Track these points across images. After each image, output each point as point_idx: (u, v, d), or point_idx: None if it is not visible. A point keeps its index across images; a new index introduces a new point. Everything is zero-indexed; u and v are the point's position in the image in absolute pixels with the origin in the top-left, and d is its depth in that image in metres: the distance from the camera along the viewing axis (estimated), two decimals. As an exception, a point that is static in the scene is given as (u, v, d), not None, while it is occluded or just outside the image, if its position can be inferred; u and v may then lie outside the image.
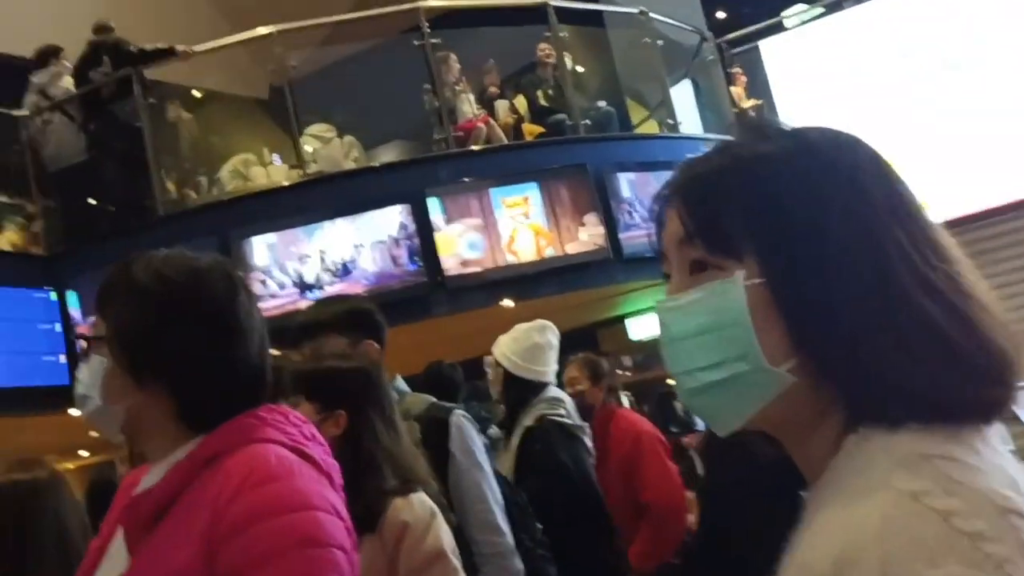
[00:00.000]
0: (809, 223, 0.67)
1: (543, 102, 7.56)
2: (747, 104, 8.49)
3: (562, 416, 3.01)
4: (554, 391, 3.11)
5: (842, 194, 0.67)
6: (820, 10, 8.75)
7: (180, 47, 6.94)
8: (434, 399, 2.38)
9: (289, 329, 2.26)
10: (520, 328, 3.16)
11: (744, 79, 8.65)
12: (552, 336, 3.15)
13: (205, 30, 8.42)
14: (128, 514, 1.15)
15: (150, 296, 1.16)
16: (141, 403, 1.15)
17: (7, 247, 6.99)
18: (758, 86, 8.55)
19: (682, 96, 8.55)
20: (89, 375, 1.20)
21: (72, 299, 6.44)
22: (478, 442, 2.26)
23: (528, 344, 3.08)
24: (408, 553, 1.73)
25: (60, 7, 9.01)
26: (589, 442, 3.15)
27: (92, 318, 1.25)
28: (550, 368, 3.13)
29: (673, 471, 3.50)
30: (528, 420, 2.97)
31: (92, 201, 7.28)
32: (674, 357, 0.71)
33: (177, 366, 1.14)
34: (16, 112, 7.09)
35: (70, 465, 8.61)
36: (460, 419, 2.25)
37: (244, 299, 1.20)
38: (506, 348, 3.10)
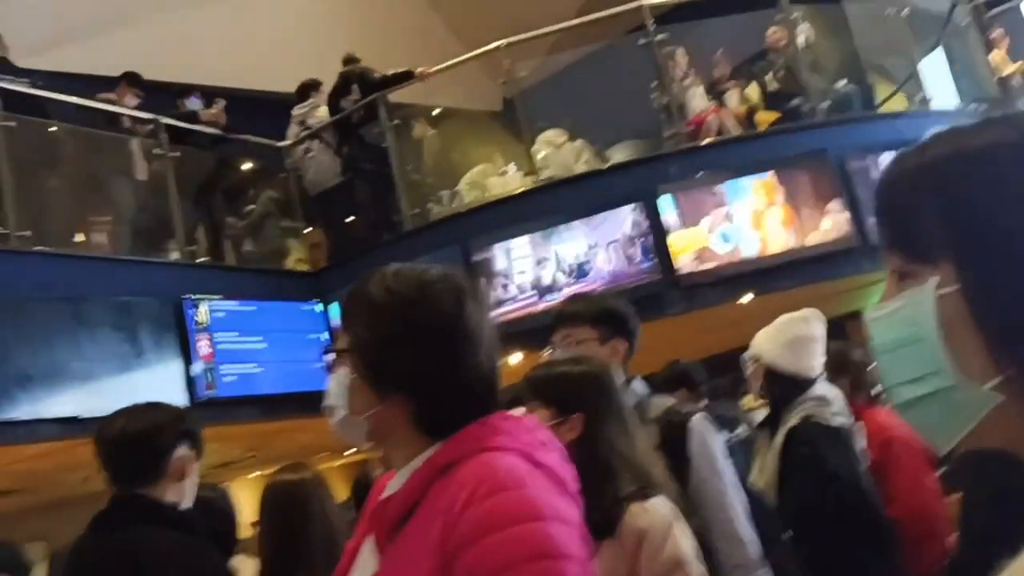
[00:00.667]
0: (1008, 226, 0.59)
1: (774, 87, 7.24)
2: (1010, 69, 7.65)
3: (828, 417, 2.77)
4: (822, 388, 2.85)
5: None
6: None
7: (418, 69, 7.37)
8: (674, 401, 2.34)
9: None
10: (782, 319, 2.92)
11: (1006, 41, 7.80)
12: (818, 326, 2.88)
13: (440, 51, 8.88)
14: (374, 519, 1.22)
15: (382, 310, 1.21)
16: (382, 413, 1.21)
17: (295, 266, 7.79)
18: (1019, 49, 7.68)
19: (935, 67, 7.86)
20: (336, 387, 1.28)
21: (335, 310, 7.07)
22: (719, 447, 2.20)
23: (791, 336, 2.84)
24: (648, 560, 1.71)
25: (313, 45, 9.87)
26: (862, 445, 2.90)
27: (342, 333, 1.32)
28: (816, 362, 2.85)
29: (929, 483, 3.05)
30: (793, 420, 2.76)
31: (349, 219, 7.93)
32: (882, 370, 0.68)
33: (412, 376, 1.19)
34: (279, 143, 7.88)
35: (337, 463, 9.38)
36: (700, 423, 2.19)
37: (472, 308, 1.22)
38: (766, 341, 2.88)
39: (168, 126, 7.08)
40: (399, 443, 1.23)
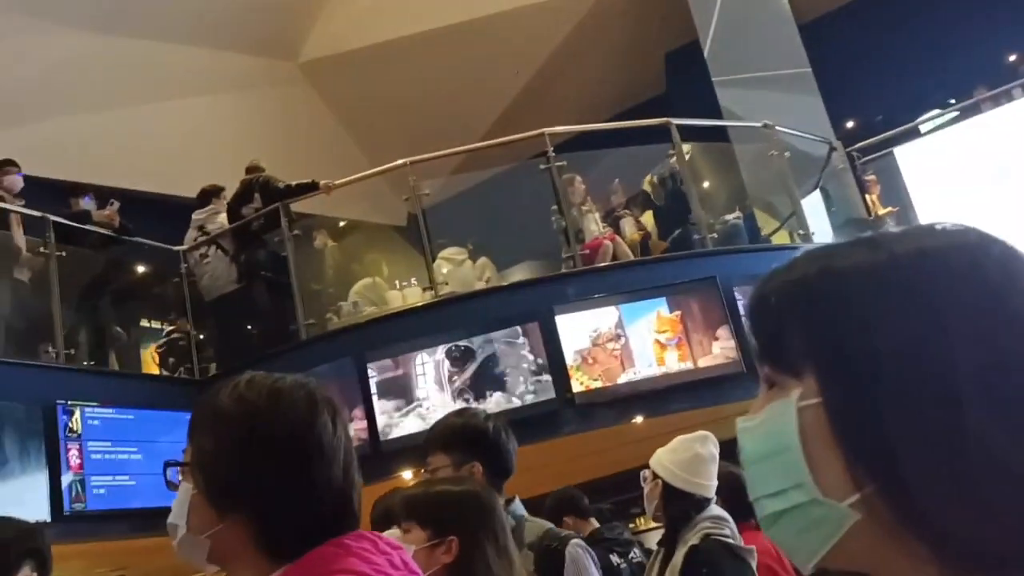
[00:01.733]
0: (869, 346, 0.60)
1: (647, 188, 7.54)
2: (883, 212, 8.24)
3: (727, 536, 2.81)
4: (717, 509, 2.90)
5: (915, 312, 0.59)
6: (955, 114, 8.50)
7: (323, 181, 7.42)
8: (551, 526, 2.31)
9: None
10: (680, 439, 3.00)
11: (878, 187, 8.42)
12: (714, 447, 2.96)
13: (346, 164, 9.00)
14: None
15: (227, 419, 1.14)
16: (223, 532, 1.12)
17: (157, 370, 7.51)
18: (896, 193, 8.31)
19: (815, 206, 8.39)
20: (178, 504, 1.18)
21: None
22: (593, 572, 2.17)
23: (689, 455, 2.91)
24: None
25: (218, 152, 9.87)
26: (754, 564, 2.90)
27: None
28: (712, 483, 2.92)
29: None
30: (693, 539, 2.79)
31: (244, 327, 7.75)
32: (749, 481, 0.67)
33: (255, 493, 1.11)
34: (175, 247, 7.73)
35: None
36: (575, 549, 2.16)
37: (326, 420, 1.15)
38: (665, 459, 2.94)
39: (57, 224, 6.86)
40: (242, 567, 1.14)
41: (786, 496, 0.63)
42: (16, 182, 6.78)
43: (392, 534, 1.65)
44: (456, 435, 2.22)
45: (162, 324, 8.03)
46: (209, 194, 7.82)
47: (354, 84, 12.52)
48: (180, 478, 1.20)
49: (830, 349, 0.61)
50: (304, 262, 7.67)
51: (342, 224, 9.25)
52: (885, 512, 0.59)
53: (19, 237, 6.68)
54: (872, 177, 8.48)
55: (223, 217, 7.66)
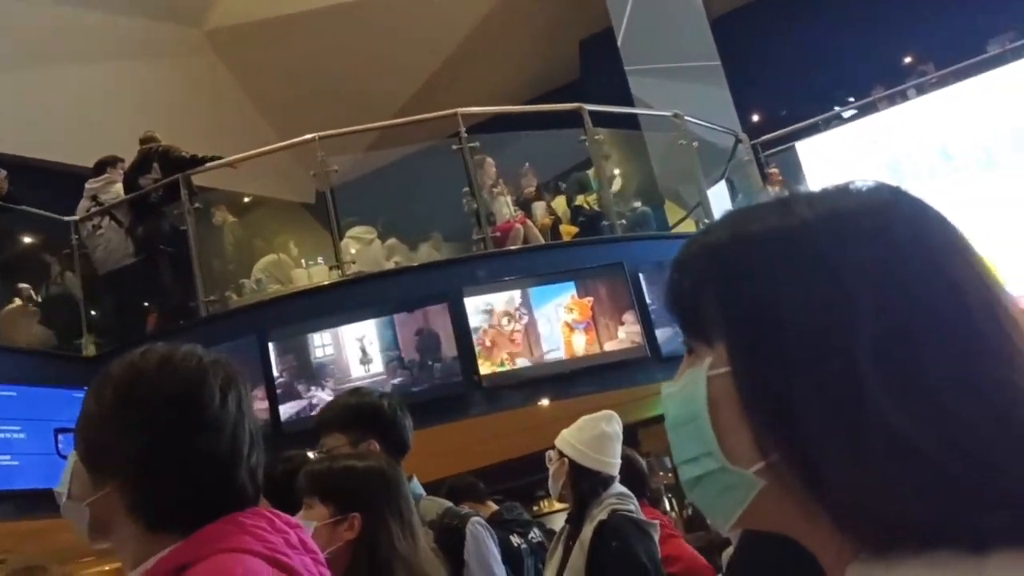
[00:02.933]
0: (777, 314, 0.59)
1: (589, 205, 7.66)
2: (783, 203, 8.50)
3: (633, 511, 2.89)
4: (621, 487, 2.98)
5: (820, 278, 0.58)
6: (853, 112, 8.83)
7: (228, 158, 7.20)
8: (450, 504, 2.30)
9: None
10: (585, 418, 3.06)
11: (780, 178, 8.68)
12: (618, 426, 3.04)
13: (253, 138, 8.75)
14: None
15: (114, 384, 1.10)
16: (103, 501, 1.08)
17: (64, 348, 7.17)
18: (797, 186, 8.59)
19: (721, 196, 8.60)
20: (65, 471, 1.14)
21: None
22: (494, 551, 2.17)
23: (595, 433, 2.98)
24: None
25: (117, 120, 9.45)
26: (657, 538, 2.97)
27: None
28: (616, 460, 3.01)
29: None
30: (601, 514, 2.83)
31: (141, 302, 7.46)
32: (672, 446, 0.67)
33: (128, 459, 1.06)
34: (67, 218, 7.37)
35: (104, 567, 8.53)
36: (476, 527, 2.16)
37: (214, 391, 1.11)
38: (571, 438, 3.00)
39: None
40: (124, 539, 1.09)
41: (699, 462, 0.63)
42: None
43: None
44: (351, 413, 2.19)
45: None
46: (105, 164, 7.48)
47: (263, 55, 12.17)
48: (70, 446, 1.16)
49: (738, 317, 0.61)
50: (205, 237, 7.43)
51: (247, 199, 9.00)
52: (789, 479, 0.59)
53: None
54: (775, 170, 8.75)
55: (118, 187, 7.34)
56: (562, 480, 3.00)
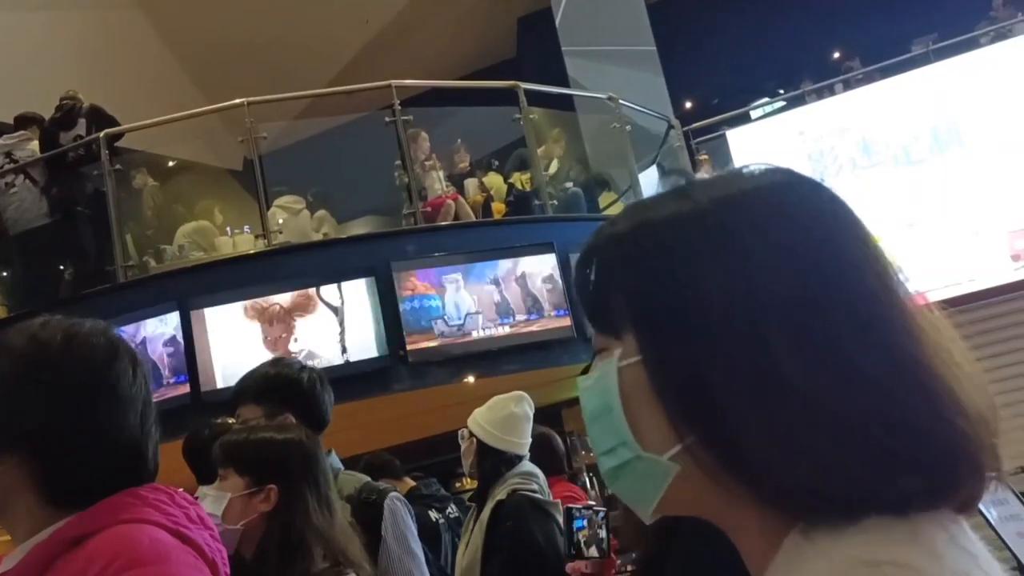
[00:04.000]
0: (682, 300, 0.60)
1: (522, 185, 7.67)
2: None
3: (535, 491, 2.92)
4: (528, 465, 3.02)
5: (721, 260, 0.60)
6: (782, 103, 9.01)
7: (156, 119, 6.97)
8: (368, 479, 2.29)
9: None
10: (496, 399, 3.10)
11: (709, 165, 8.82)
12: (528, 407, 3.09)
13: (179, 101, 8.49)
14: None
15: (15, 359, 1.08)
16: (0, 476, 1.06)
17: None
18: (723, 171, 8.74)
19: (650, 181, 8.69)
20: None
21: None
22: (412, 527, 2.17)
23: (504, 414, 3.02)
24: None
25: (35, 74, 9.06)
26: (559, 516, 3.03)
27: None
28: (525, 440, 3.05)
29: None
30: (500, 494, 2.87)
31: (55, 265, 7.19)
32: (591, 441, 0.68)
33: (36, 434, 1.05)
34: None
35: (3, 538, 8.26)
36: (394, 502, 2.15)
37: (126, 367, 1.11)
38: (481, 418, 3.04)
39: None
40: (21, 514, 1.07)
41: (616, 453, 0.64)
42: None
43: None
44: (269, 385, 2.16)
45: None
46: (28, 121, 7.16)
47: (192, 14, 11.78)
48: None
49: (643, 305, 0.62)
50: (125, 200, 7.19)
51: (171, 163, 8.73)
52: (706, 460, 0.60)
53: None
54: (705, 156, 8.88)
55: (34, 145, 7.04)
56: (471, 458, 3.05)
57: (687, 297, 0.60)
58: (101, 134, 6.78)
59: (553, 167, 8.12)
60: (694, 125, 9.11)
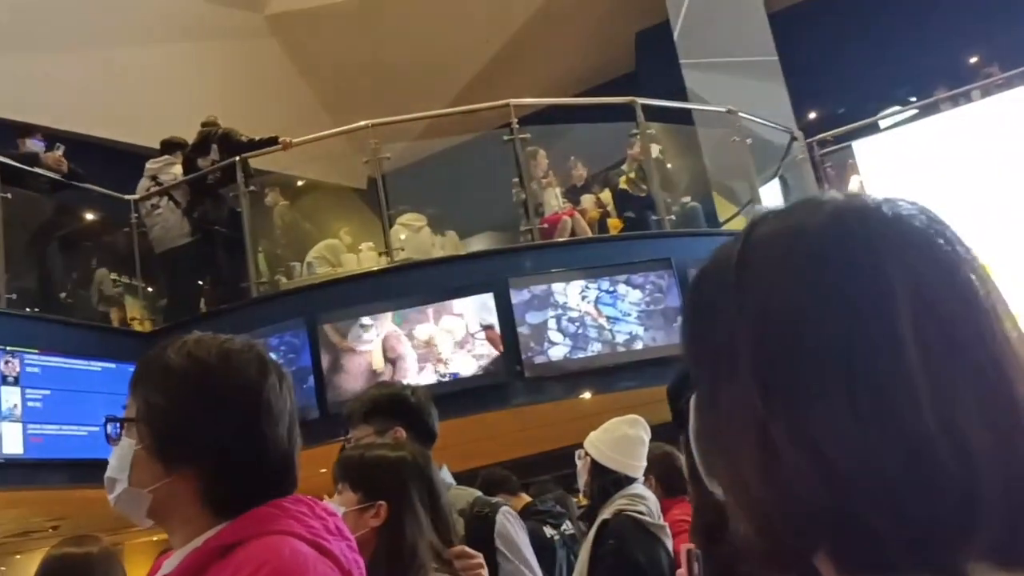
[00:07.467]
0: (705, 342, 0.60)
1: (624, 186, 7.60)
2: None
3: (641, 513, 2.90)
4: (639, 488, 3.03)
5: (730, 312, 0.57)
6: (914, 112, 8.61)
7: (282, 138, 7.31)
8: (479, 493, 2.33)
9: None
10: (612, 421, 3.15)
11: (855, 179, 8.46)
12: (643, 431, 3.11)
13: (309, 123, 8.87)
14: None
15: (180, 377, 1.16)
16: (169, 487, 1.14)
17: (132, 325, 7.38)
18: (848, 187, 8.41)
19: (774, 194, 8.47)
20: (118, 458, 1.18)
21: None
22: (524, 539, 2.20)
23: (617, 435, 3.07)
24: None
25: (176, 100, 9.65)
26: (670, 544, 2.99)
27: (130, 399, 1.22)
28: (638, 463, 3.06)
29: None
30: (606, 513, 2.89)
31: (194, 282, 7.63)
32: (696, 456, 0.67)
33: (207, 449, 1.13)
34: (126, 196, 7.56)
35: (154, 538, 8.78)
36: (506, 515, 2.19)
37: (275, 382, 1.19)
38: (595, 438, 3.10)
39: (3, 165, 6.67)
40: (181, 521, 1.16)
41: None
42: None
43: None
44: (377, 404, 2.24)
45: (118, 275, 7.86)
46: (173, 146, 7.66)
47: (321, 41, 12.31)
48: (121, 433, 1.19)
49: (690, 348, 0.61)
50: (258, 219, 7.57)
51: (300, 183, 9.14)
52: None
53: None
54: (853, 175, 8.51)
55: (177, 168, 7.51)
56: (584, 477, 3.09)
57: (709, 343, 0.59)
58: (237, 158, 7.16)
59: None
60: (818, 136, 8.83)
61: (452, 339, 6.50)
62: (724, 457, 0.58)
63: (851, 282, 0.54)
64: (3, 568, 7.72)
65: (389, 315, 6.58)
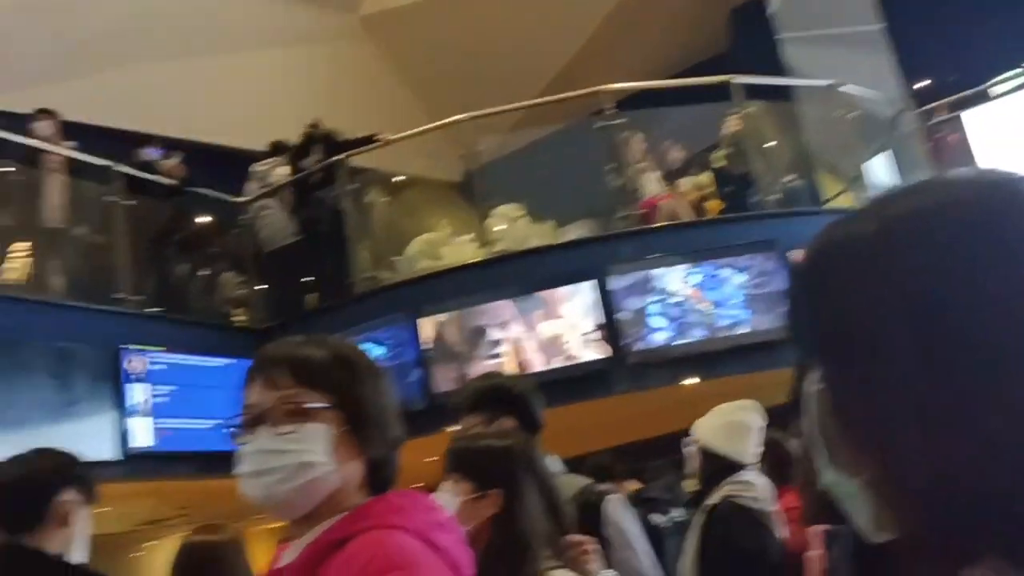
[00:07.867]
0: (846, 325, 0.58)
1: (722, 162, 7.44)
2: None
3: (750, 500, 2.87)
4: (749, 475, 2.96)
5: (880, 290, 0.55)
6: (1027, 77, 8.14)
7: (380, 135, 7.47)
8: (588, 481, 2.34)
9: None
10: (722, 406, 3.10)
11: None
12: (756, 417, 3.04)
13: (406, 119, 9.01)
14: None
15: (363, 367, 1.27)
16: (353, 468, 1.22)
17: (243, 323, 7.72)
18: (961, 159, 8.01)
19: (882, 169, 8.15)
20: (307, 443, 1.17)
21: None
22: (633, 525, 2.20)
23: (726, 420, 3.02)
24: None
25: (278, 104, 9.96)
26: (781, 532, 2.94)
27: (287, 390, 1.22)
28: (750, 449, 3.00)
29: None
30: (713, 499, 2.87)
31: (300, 279, 7.89)
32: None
33: (379, 435, 1.24)
34: (237, 199, 7.87)
35: (274, 525, 9.12)
36: (615, 502, 2.20)
37: (388, 380, 1.30)
38: (705, 423, 3.06)
39: (124, 174, 7.04)
40: (332, 510, 1.19)
41: (824, 472, 0.62)
42: (42, 128, 6.79)
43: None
44: (483, 395, 2.28)
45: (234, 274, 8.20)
46: (279, 148, 7.93)
47: (414, 38, 12.48)
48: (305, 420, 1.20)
49: (820, 333, 0.59)
50: (359, 217, 7.75)
51: (398, 179, 9.30)
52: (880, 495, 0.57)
53: (54, 186, 6.74)
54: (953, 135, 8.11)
55: (282, 170, 7.77)
56: (696, 464, 3.04)
57: (851, 327, 0.56)
58: (338, 158, 7.35)
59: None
60: (925, 107, 8.44)
61: (570, 336, 6.52)
62: (870, 446, 0.56)
63: (1013, 256, 0.53)
64: (142, 552, 8.18)
65: (512, 324, 6.61)
